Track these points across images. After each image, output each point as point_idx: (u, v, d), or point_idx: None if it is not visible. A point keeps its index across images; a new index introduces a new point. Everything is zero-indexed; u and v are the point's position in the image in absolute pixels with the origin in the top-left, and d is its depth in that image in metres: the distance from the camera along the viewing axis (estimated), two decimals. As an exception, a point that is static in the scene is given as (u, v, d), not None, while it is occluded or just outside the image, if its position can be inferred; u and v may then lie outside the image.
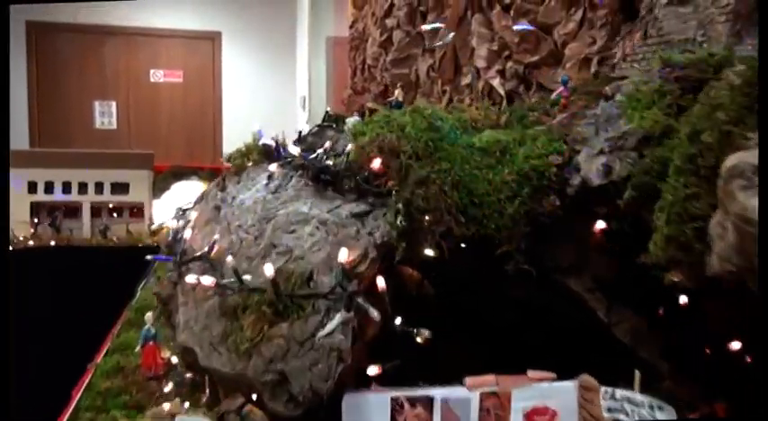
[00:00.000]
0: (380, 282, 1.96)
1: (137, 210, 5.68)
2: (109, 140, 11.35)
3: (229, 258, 1.95)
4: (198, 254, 2.08)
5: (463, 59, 4.27)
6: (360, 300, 1.88)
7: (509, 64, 3.50)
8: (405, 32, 5.01)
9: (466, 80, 4.22)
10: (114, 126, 11.65)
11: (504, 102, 3.56)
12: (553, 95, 2.13)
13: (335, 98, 9.42)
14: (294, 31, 11.50)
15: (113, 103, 11.64)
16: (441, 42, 2.59)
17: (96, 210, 5.61)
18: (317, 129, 2.38)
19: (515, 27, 2.63)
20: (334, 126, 2.39)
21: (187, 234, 2.27)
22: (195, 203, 2.49)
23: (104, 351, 3.53)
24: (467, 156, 1.95)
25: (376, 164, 2.00)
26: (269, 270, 1.84)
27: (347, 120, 2.36)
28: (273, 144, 2.21)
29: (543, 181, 1.97)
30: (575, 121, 2.06)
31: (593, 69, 2.72)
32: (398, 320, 2.02)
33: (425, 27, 3.27)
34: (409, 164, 1.97)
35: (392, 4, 5.24)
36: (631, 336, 2.27)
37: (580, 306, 2.27)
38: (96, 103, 11.40)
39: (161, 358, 2.77)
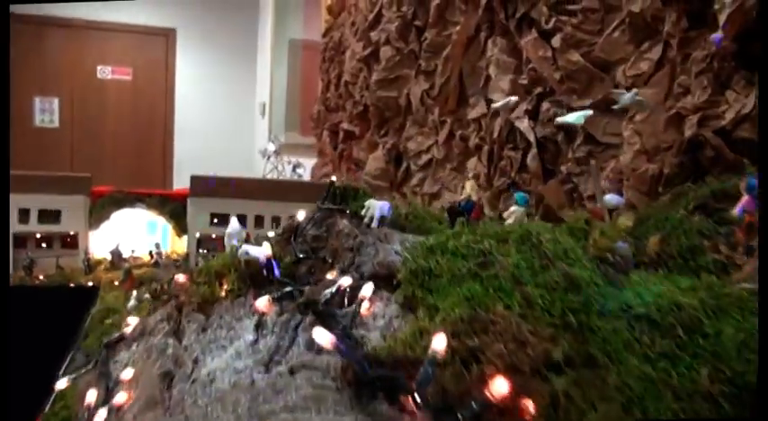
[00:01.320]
0: None
1: (70, 241, 4.76)
2: (50, 140, 10.46)
3: None
4: None
5: (471, 88, 3.48)
6: None
7: (545, 104, 2.72)
8: (395, 49, 4.20)
9: (473, 113, 3.44)
10: (56, 124, 10.78)
11: (534, 149, 2.78)
12: (735, 209, 1.33)
13: (301, 110, 8.54)
14: (256, 32, 10.62)
15: (56, 100, 10.74)
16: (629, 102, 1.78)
17: (20, 241, 4.68)
18: (319, 213, 1.56)
19: (713, 37, 1.80)
20: (344, 209, 1.58)
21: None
22: (132, 340, 1.55)
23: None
24: (639, 350, 0.96)
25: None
26: None
27: (369, 204, 1.55)
28: (262, 259, 1.37)
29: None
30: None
31: (689, 130, 1.95)
32: None
33: (495, 105, 2.44)
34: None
35: (379, 15, 4.42)
36: None
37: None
38: (37, 99, 10.47)
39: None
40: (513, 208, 2.08)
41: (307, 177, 6.89)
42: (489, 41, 3.25)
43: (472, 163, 3.42)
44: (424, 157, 3.98)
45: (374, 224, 1.49)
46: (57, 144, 10.61)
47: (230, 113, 10.60)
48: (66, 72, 10.55)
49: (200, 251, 5.16)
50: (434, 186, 3.81)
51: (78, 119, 10.62)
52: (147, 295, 4.45)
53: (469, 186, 2.15)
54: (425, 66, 3.89)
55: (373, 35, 4.51)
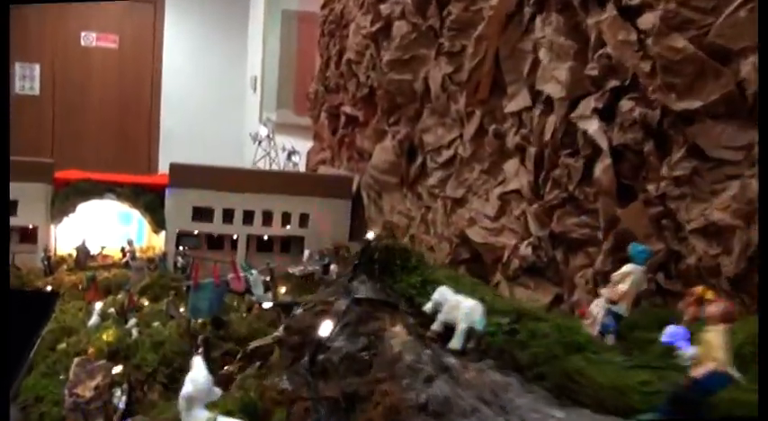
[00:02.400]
0: None
1: (28, 236, 4.09)
2: (30, 108, 9.86)
3: None
4: None
5: (510, 75, 2.79)
6: None
7: (625, 103, 2.03)
8: (411, 25, 3.50)
9: (512, 106, 2.75)
10: (37, 92, 10.14)
11: (607, 159, 2.11)
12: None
13: (296, 86, 7.76)
14: (248, 1, 9.87)
15: (36, 66, 9.90)
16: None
17: (-30, 235, 3.98)
18: (355, 310, 0.87)
19: None
20: (395, 302, 0.90)
21: None
22: None
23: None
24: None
25: None
26: None
27: (441, 296, 0.87)
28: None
29: None
30: None
31: None
32: None
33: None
34: None
35: (392, -15, 3.70)
36: None
37: None
38: (17, 65, 9.73)
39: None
40: (627, 267, 1.44)
41: (302, 167, 6.19)
42: (538, 19, 2.55)
43: (511, 166, 2.74)
44: (445, 154, 3.30)
45: (457, 343, 0.81)
46: (37, 113, 10.06)
47: (220, 87, 9.91)
48: (49, 37, 10.03)
49: (180, 248, 4.48)
50: (459, 190, 3.14)
51: (60, 87, 9.94)
52: (111, 310, 3.83)
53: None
54: (449, 46, 3.19)
55: (383, 8, 3.79)
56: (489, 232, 2.85)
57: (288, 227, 4.71)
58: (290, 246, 5.09)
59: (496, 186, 2.87)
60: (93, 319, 3.49)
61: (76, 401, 2.48)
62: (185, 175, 4.45)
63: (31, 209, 4.05)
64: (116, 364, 2.73)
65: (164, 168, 9.18)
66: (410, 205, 3.83)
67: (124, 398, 2.57)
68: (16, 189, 3.89)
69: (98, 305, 3.72)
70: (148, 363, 2.74)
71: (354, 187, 4.79)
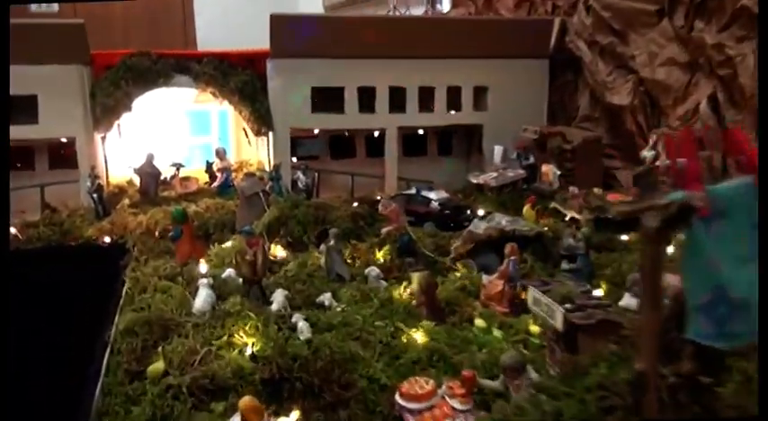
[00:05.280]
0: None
1: (64, 156, 2.55)
2: None
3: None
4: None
5: None
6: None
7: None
8: None
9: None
10: None
11: None
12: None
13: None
14: None
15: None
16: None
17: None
18: None
19: None
20: None
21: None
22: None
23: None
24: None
25: None
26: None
27: None
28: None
29: None
30: None
31: None
32: None
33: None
34: None
35: None
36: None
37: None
38: None
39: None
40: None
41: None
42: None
43: None
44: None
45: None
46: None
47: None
48: None
49: (295, 161, 2.81)
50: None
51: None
52: (230, 271, 2.26)
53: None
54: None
55: None
56: None
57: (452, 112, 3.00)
58: (451, 143, 3.38)
59: None
60: (203, 298, 1.88)
61: None
62: (297, 35, 2.75)
63: (61, 108, 2.40)
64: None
65: (203, 45, 7.45)
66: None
67: None
68: (32, 77, 2.24)
69: (202, 267, 2.07)
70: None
71: (555, 34, 3.00)
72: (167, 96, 3.10)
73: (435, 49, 3.08)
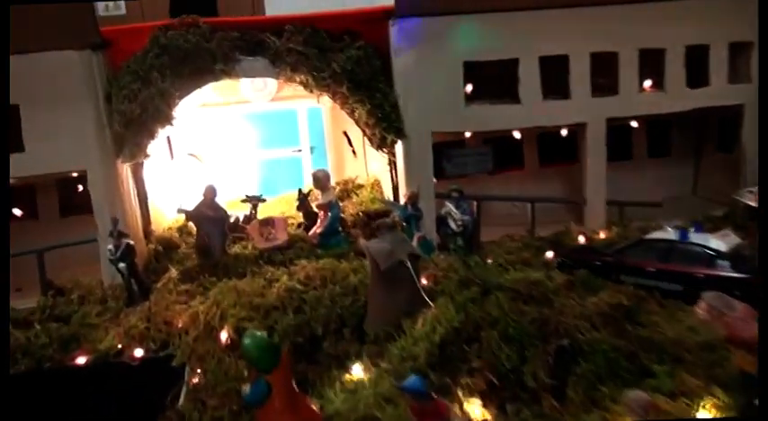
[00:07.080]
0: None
1: (73, 198, 1.17)
2: None
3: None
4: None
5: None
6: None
7: None
8: None
9: None
10: None
11: None
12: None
13: None
14: None
15: None
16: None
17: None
18: None
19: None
20: None
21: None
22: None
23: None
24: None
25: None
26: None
27: None
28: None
29: None
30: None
31: None
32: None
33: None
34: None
35: None
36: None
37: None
38: None
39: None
40: None
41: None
42: None
43: None
44: None
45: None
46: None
47: None
48: None
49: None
50: None
51: None
52: None
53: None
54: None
55: None
56: None
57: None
58: (669, 138, 1.99)
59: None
60: None
61: None
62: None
63: (58, 124, 1.12)
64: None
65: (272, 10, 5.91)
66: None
67: None
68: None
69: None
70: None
71: None
72: (229, 92, 2.13)
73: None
